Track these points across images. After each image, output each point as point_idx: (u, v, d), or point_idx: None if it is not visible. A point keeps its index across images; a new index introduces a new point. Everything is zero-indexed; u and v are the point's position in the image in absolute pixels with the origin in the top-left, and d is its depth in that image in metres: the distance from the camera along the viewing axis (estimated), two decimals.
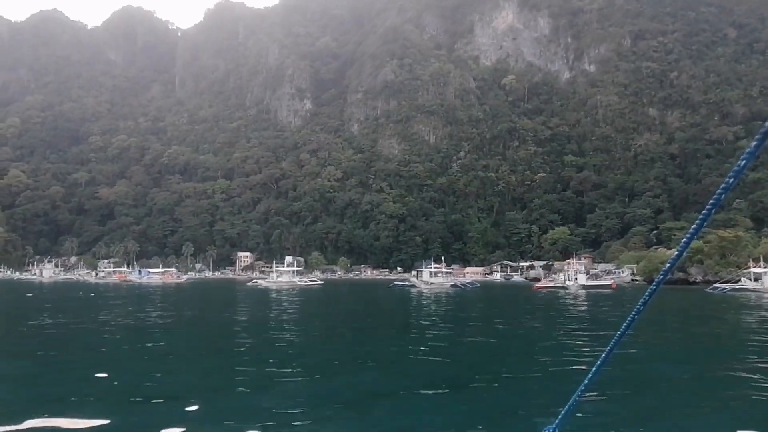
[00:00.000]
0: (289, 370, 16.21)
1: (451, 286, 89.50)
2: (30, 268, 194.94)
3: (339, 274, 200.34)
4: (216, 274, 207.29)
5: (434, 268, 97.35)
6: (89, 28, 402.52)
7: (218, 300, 61.85)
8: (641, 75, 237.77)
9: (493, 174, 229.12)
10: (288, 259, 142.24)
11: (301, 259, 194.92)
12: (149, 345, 21.92)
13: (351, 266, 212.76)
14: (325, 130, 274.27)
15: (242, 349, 21.05)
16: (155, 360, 18.27)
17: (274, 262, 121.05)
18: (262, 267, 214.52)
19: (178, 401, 11.80)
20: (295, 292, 77.55)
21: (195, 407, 11.27)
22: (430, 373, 15.97)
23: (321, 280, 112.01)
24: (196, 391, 13.14)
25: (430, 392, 13.33)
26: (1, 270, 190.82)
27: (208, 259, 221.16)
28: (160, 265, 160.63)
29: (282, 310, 43.27)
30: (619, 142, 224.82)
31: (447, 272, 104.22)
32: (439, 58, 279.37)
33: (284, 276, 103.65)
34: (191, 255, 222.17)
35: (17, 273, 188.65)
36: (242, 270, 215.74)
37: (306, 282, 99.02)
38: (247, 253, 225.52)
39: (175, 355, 19.63)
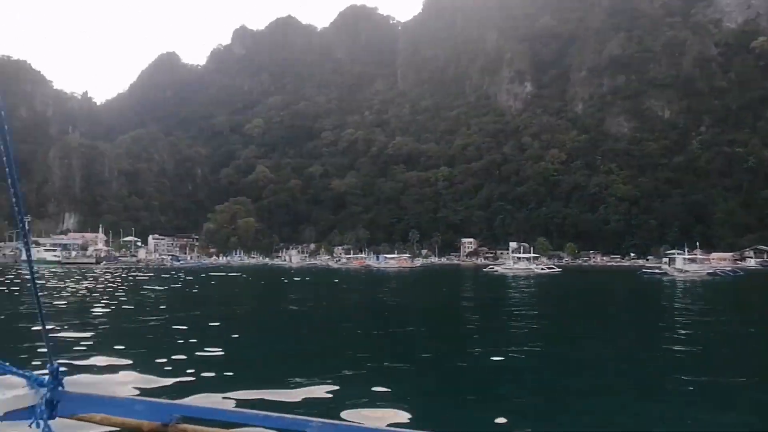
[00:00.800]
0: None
1: (708, 273, 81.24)
2: (280, 254, 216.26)
3: (566, 260, 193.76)
4: (442, 259, 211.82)
5: (688, 254, 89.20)
6: (319, 30, 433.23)
7: (475, 285, 61.86)
8: None
9: (741, 149, 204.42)
10: (512, 244, 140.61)
11: (526, 244, 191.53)
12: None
13: (578, 252, 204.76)
14: (546, 112, 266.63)
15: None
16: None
17: (510, 249, 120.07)
18: (486, 253, 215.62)
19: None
20: (534, 279, 75.56)
21: None
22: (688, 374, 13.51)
23: (558, 267, 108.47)
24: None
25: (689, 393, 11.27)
26: (254, 256, 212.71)
27: (433, 245, 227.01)
28: (395, 252, 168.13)
29: (539, 300, 41.96)
30: None
31: (703, 258, 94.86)
32: (673, 26, 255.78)
33: (521, 263, 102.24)
34: (417, 241, 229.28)
35: (267, 259, 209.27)
36: (466, 256, 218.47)
37: (542, 269, 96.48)
38: (471, 239, 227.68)
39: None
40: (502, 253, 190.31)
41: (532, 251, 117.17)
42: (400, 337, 19.77)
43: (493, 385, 11.89)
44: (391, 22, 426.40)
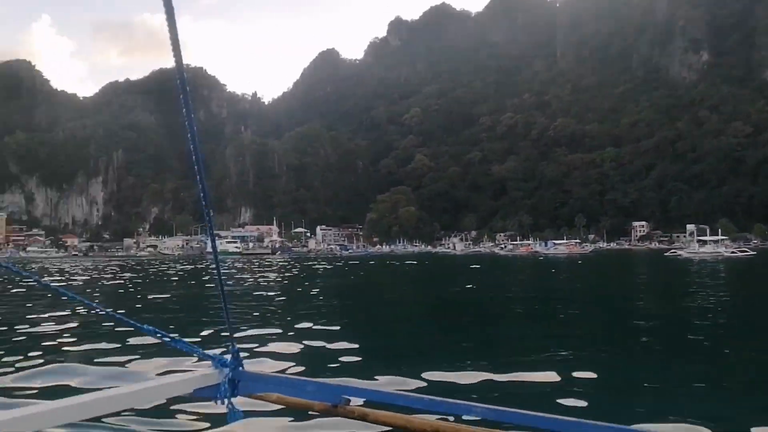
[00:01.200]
0: None
1: None
2: (443, 242, 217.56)
3: (755, 242, 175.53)
4: (611, 244, 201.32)
5: None
6: (473, 15, 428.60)
7: (672, 271, 56.76)
8: None
9: None
10: (690, 227, 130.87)
11: (706, 227, 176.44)
12: None
13: None
14: (727, 82, 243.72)
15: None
16: None
17: (688, 232, 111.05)
18: (660, 236, 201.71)
19: None
20: (725, 263, 68.04)
21: None
22: None
23: (752, 250, 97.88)
24: None
25: None
26: (417, 244, 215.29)
27: (600, 229, 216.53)
28: (564, 237, 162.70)
29: None
30: None
31: None
32: None
33: (707, 246, 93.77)
34: (583, 226, 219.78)
35: (430, 246, 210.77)
36: (638, 240, 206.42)
37: (733, 252, 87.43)
38: (642, 223, 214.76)
39: None
40: (678, 237, 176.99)
41: (719, 233, 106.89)
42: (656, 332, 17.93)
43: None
44: (548, 0, 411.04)
